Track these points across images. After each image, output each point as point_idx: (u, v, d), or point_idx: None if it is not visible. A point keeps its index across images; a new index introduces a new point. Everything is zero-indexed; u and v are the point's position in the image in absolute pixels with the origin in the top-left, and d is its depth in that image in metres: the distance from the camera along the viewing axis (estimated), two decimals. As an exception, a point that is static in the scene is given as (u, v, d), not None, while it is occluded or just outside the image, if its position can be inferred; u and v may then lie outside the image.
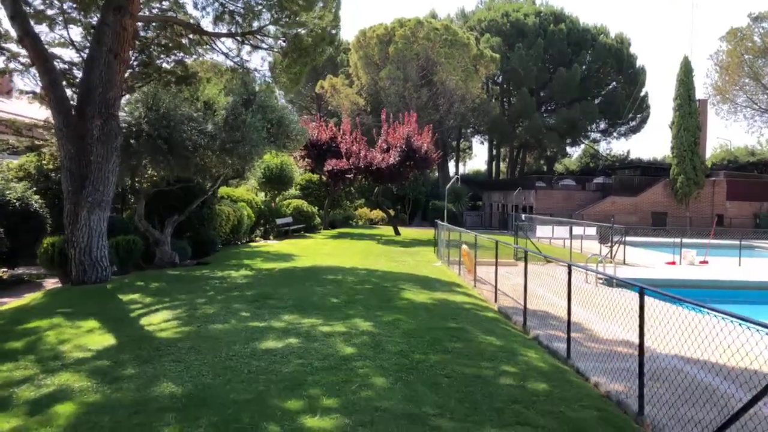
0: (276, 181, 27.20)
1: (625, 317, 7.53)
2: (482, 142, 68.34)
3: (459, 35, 41.42)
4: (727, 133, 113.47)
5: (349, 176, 26.92)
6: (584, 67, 48.62)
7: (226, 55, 20.00)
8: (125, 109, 14.40)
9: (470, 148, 78.73)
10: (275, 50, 19.81)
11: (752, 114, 46.12)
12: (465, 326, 8.64)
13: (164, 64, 21.20)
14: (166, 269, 14.73)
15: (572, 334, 8.62)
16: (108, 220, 13.15)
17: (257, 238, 25.26)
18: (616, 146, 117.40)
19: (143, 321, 8.70)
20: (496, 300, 11.28)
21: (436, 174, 52.51)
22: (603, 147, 60.92)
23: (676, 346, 6.08)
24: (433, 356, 6.94)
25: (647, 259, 20.20)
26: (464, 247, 14.29)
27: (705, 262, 19.54)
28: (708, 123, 38.47)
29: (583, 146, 61.84)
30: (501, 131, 49.59)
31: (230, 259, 17.02)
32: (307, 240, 24.37)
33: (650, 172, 43.07)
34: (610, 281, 13.70)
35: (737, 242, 24.22)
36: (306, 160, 29.75)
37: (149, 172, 15.64)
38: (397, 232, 28.67)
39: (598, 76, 49.93)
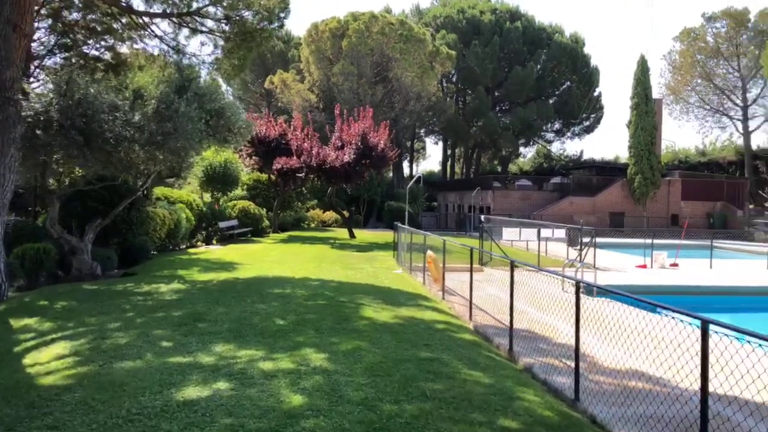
0: (219, 180, 25.05)
1: (624, 337, 6.13)
2: (436, 143, 67.37)
3: (415, 30, 40.06)
4: (680, 134, 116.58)
5: (300, 175, 25.00)
6: (539, 66, 48.11)
7: (161, 39, 17.85)
8: (32, 95, 12.20)
9: (424, 148, 77.74)
10: (216, 34, 17.81)
11: (704, 114, 46.69)
12: (441, 356, 7.03)
13: (93, 51, 18.89)
14: (83, 282, 12.57)
15: (567, 363, 7.16)
16: (11, 225, 10.96)
17: (199, 244, 23.11)
18: (570, 146, 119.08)
19: (28, 358, 6.73)
20: (470, 317, 9.73)
21: (391, 174, 51.08)
22: (557, 147, 60.97)
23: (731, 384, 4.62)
24: (408, 405, 5.28)
25: (617, 263, 19.17)
26: (430, 253, 12.73)
27: (675, 264, 18.66)
28: (662, 123, 38.35)
29: (536, 146, 61.67)
30: (456, 130, 48.54)
31: (163, 268, 14.93)
32: (253, 245, 22.36)
33: (606, 172, 42.82)
34: (590, 290, 12.42)
35: (702, 243, 23.60)
36: (253, 158, 27.67)
37: (63, 168, 13.44)
38: (352, 235, 26.97)
39: (553, 76, 49.54)
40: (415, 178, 18.00)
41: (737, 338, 4.01)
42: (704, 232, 36.42)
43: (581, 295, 12.03)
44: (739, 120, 44.92)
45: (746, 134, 44.05)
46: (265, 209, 29.04)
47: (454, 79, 51.02)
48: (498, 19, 47.90)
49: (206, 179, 25.04)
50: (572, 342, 8.13)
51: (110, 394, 5.48)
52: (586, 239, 18.14)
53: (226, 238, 24.13)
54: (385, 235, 29.26)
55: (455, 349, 7.53)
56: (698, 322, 4.08)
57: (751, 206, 37.87)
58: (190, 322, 8.45)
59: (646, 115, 34.46)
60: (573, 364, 6.30)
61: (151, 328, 8.17)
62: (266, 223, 28.07)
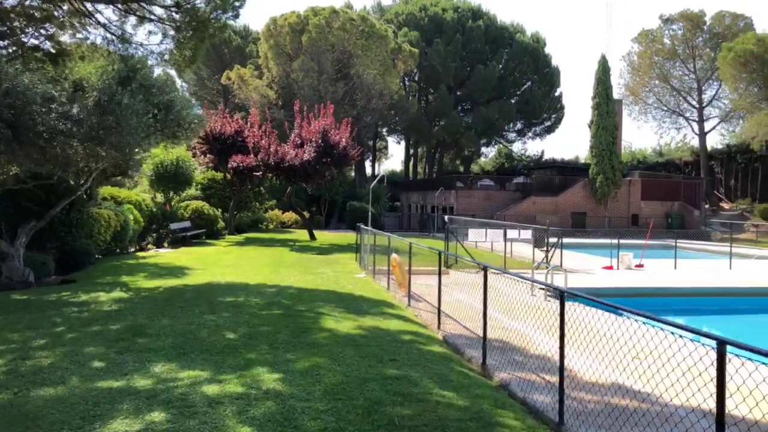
0: (171, 179, 23.78)
1: (598, 344, 5.59)
2: (399, 142, 66.85)
3: (377, 27, 39.35)
4: (637, 135, 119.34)
5: (258, 174, 23.96)
6: (501, 65, 48.07)
7: (106, 27, 16.64)
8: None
9: (386, 147, 77.12)
10: (166, 23, 16.70)
11: (662, 115, 47.46)
12: (410, 373, 6.33)
13: (32, 40, 17.55)
14: (13, 291, 11.41)
15: (546, 377, 6.57)
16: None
17: (149, 246, 21.90)
18: (532, 146, 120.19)
19: (-74, 387, 5.73)
20: (439, 325, 9.08)
21: (353, 174, 50.26)
22: (518, 147, 61.21)
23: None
24: (375, 438, 4.57)
25: (582, 264, 18.89)
26: (394, 256, 12.04)
27: (640, 265, 18.49)
28: (622, 123, 38.71)
29: (498, 146, 61.81)
30: (419, 130, 48.07)
31: (106, 274, 13.81)
32: (207, 248, 21.26)
33: (567, 172, 43.05)
34: (557, 294, 11.95)
35: (664, 243, 23.69)
36: (207, 156, 26.49)
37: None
38: (312, 237, 26.08)
39: (514, 75, 49.58)
40: (378, 178, 17.16)
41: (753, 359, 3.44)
42: (664, 232, 36.94)
43: (550, 301, 11.49)
44: (695, 121, 45.89)
45: (702, 135, 44.98)
46: (220, 210, 27.88)
47: (416, 78, 50.56)
48: (460, 17, 47.65)
49: (157, 178, 23.75)
50: (548, 352, 7.60)
51: (21, 430, 4.60)
52: (553, 239, 17.78)
53: (179, 241, 22.93)
54: (347, 237, 28.48)
55: (424, 364, 6.85)
56: (713, 343, 3.49)
57: (707, 206, 38.58)
58: (128, 337, 7.54)
59: (607, 115, 34.62)
60: (553, 379, 5.69)
61: (82, 345, 7.24)
62: (221, 224, 26.92)
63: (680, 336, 3.90)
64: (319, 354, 6.84)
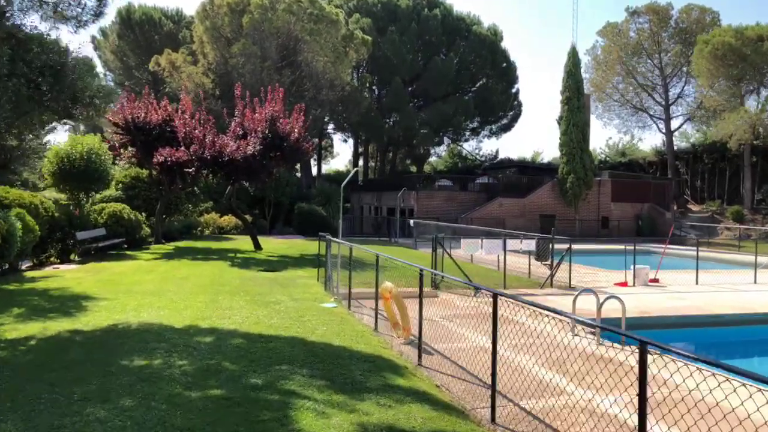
0: (80, 177, 19.17)
1: None
2: (345, 140, 63.11)
3: (327, 10, 35.47)
4: (594, 134, 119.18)
5: (190, 170, 19.65)
6: (457, 59, 45.14)
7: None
8: None
9: (332, 146, 73.15)
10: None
11: (626, 113, 45.75)
12: None
13: None
14: None
15: None
16: None
17: (51, 260, 17.40)
18: (486, 146, 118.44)
19: None
20: (493, 415, 5.45)
21: (298, 174, 46.14)
22: (473, 146, 58.50)
23: None
24: None
25: (589, 278, 15.83)
26: (387, 286, 8.39)
27: (655, 280, 15.59)
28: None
29: (450, 145, 59.02)
30: (371, 125, 44.40)
31: (-41, 312, 9.47)
32: (125, 263, 16.88)
33: (529, 171, 40.66)
34: (607, 332, 8.66)
35: (641, 248, 21.10)
36: (129, 148, 21.95)
37: None
38: (257, 246, 21.99)
39: (471, 70, 46.75)
40: (353, 172, 13.55)
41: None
42: (633, 236, 34.87)
43: (600, 343, 8.15)
44: (660, 119, 44.24)
45: (668, 133, 43.37)
46: (145, 214, 23.37)
47: (369, 70, 46.90)
48: (416, 5, 44.42)
49: (61, 175, 19.08)
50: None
51: None
52: (559, 250, 14.61)
53: (90, 253, 18.45)
54: (297, 245, 24.53)
55: None
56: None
57: (674, 208, 36.84)
58: None
59: (578, 110, 32.14)
60: None
61: None
62: (147, 231, 22.41)
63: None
64: None
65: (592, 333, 9.18)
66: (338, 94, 37.16)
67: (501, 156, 57.35)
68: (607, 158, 47.03)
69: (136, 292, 11.58)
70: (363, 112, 41.43)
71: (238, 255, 19.67)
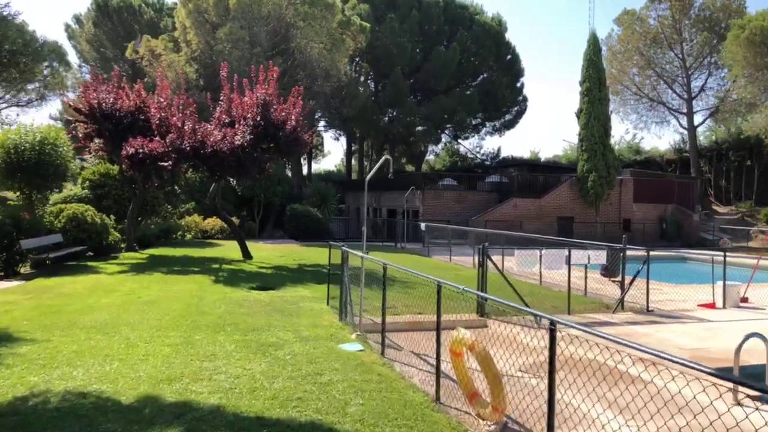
0: (30, 171, 15.85)
1: None
2: (337, 138, 59.65)
3: (321, -7, 32.29)
4: (618, 128, 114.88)
5: (166, 164, 16.34)
6: (461, 49, 42.06)
7: None
8: None
9: (322, 144, 69.81)
10: None
11: (643, 108, 42.83)
12: None
13: None
14: None
15: None
16: None
17: (-10, 274, 14.09)
18: (488, 143, 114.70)
19: None
20: None
21: (288, 172, 42.83)
22: (474, 143, 55.40)
23: None
24: None
25: (661, 295, 12.79)
26: (464, 336, 5.25)
27: (745, 299, 12.62)
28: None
29: (448, 143, 55.94)
30: (368, 120, 41.14)
31: None
32: (83, 277, 13.55)
33: (539, 169, 37.75)
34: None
35: (670, 254, 18.05)
36: (96, 140, 18.63)
37: None
38: (246, 254, 18.75)
39: (474, 62, 43.73)
40: (382, 160, 10.68)
41: None
42: (657, 240, 32.05)
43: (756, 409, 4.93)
44: (682, 114, 41.20)
45: (691, 129, 40.34)
46: (114, 217, 20.03)
47: (366, 61, 43.68)
48: (416, -9, 41.32)
49: (7, 170, 15.73)
50: None
51: None
52: (636, 252, 11.58)
53: (44, 264, 15.15)
54: (293, 251, 21.35)
55: None
56: None
57: (700, 209, 34.05)
58: None
59: (599, 102, 29.21)
60: None
61: None
62: (116, 236, 19.06)
63: None
64: None
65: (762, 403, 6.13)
66: (334, 85, 33.94)
67: (503, 154, 54.41)
68: (620, 155, 44.16)
69: (82, 326, 8.34)
70: (360, 106, 38.21)
71: (224, 266, 16.41)
